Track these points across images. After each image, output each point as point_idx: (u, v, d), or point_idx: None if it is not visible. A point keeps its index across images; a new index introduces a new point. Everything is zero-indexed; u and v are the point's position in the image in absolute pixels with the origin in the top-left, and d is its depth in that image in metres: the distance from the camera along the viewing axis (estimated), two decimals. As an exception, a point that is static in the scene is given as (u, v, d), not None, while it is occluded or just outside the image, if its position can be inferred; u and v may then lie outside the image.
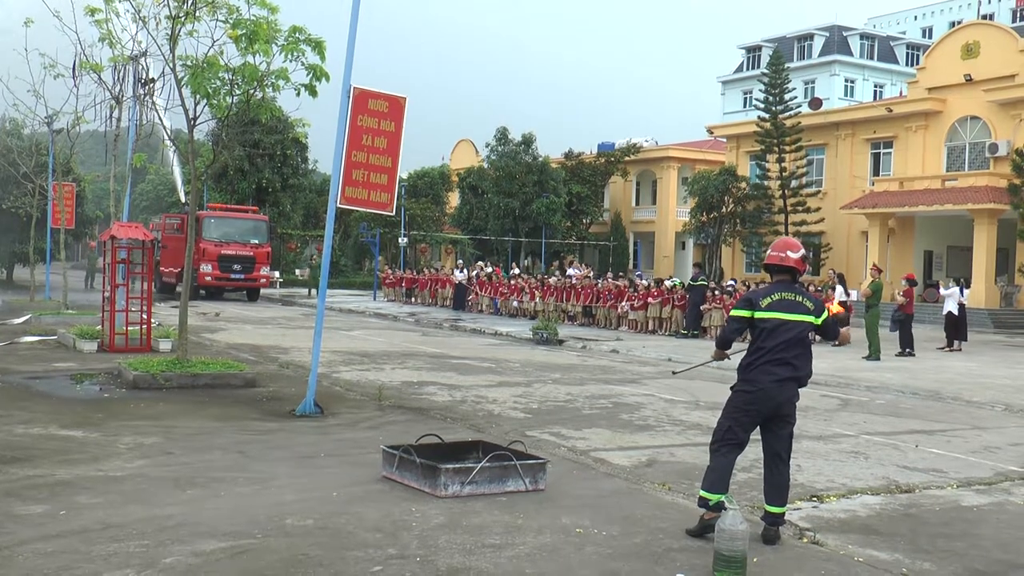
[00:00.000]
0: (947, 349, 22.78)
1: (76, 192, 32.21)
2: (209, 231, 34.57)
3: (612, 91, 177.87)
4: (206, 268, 34.02)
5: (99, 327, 16.43)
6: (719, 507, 5.83)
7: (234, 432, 9.26)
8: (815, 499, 7.58)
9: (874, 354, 19.76)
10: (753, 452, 9.32)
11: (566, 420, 10.97)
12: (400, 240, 44.22)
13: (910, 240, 38.80)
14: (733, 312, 6.54)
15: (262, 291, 37.17)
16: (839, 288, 23.62)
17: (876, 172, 41.05)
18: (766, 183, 42.25)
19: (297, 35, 11.39)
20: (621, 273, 37.77)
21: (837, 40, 70.08)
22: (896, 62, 71.54)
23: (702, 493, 6.20)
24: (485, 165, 53.43)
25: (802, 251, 6.51)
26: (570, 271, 36.43)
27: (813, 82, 68.63)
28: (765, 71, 43.44)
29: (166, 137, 20.37)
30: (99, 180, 43.02)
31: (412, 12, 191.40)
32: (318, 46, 11.36)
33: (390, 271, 41.27)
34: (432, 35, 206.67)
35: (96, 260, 46.51)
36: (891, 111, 40.36)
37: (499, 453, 7.21)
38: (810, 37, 71.17)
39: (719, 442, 6.25)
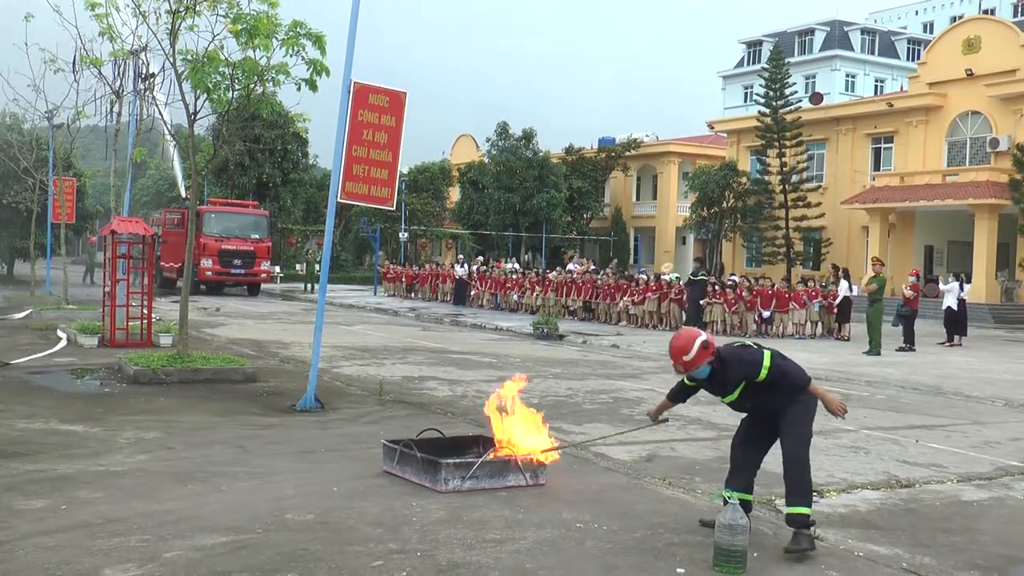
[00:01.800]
0: (947, 344, 22.78)
1: (76, 187, 32.21)
2: (209, 226, 34.57)
3: (613, 86, 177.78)
4: (206, 263, 34.02)
5: (100, 322, 16.43)
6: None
7: (235, 427, 9.27)
8: (815, 494, 7.54)
9: (874, 349, 19.75)
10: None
11: (567, 415, 10.97)
12: (400, 235, 44.22)
13: (911, 235, 38.79)
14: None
15: (262, 286, 37.18)
16: (843, 283, 23.58)
17: (877, 167, 41.03)
18: (767, 178, 42.22)
19: (297, 30, 11.36)
20: (621, 268, 37.76)
21: (838, 35, 69.99)
22: (897, 57, 71.47)
23: (807, 509, 5.88)
24: (486, 160, 53.40)
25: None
26: (570, 266, 36.42)
27: (814, 77, 68.56)
28: (766, 66, 43.38)
29: (166, 132, 20.33)
30: (99, 175, 43.00)
31: (412, 8, 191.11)
32: (318, 41, 11.33)
33: (391, 266, 41.27)
34: (433, 31, 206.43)
35: (95, 255, 46.45)
36: (892, 106, 40.33)
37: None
38: (811, 32, 71.07)
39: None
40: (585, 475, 7.69)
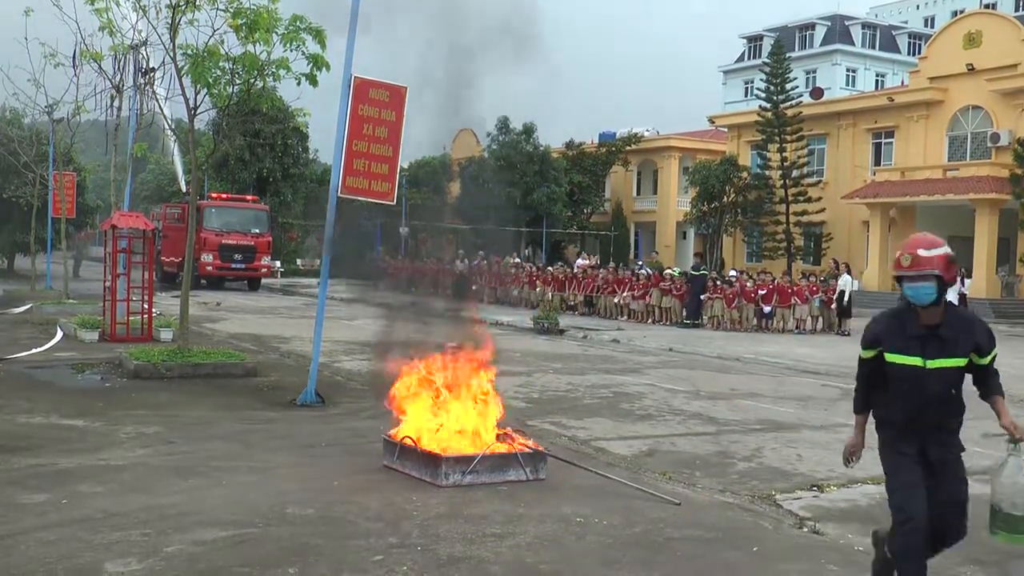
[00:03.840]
0: (948, 339, 22.70)
1: (76, 182, 32.17)
2: (210, 221, 34.55)
3: (613, 81, 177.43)
4: (207, 258, 33.99)
5: (100, 317, 16.42)
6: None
7: (235, 421, 9.27)
8: (816, 488, 7.59)
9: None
10: (756, 441, 9.38)
11: (567, 410, 10.98)
12: (401, 230, 44.23)
13: (911, 230, 38.64)
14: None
15: (263, 281, 37.17)
16: (846, 277, 23.54)
17: (877, 162, 41.00)
18: (767, 173, 42.21)
19: (298, 24, 11.35)
20: (622, 263, 37.77)
21: (839, 29, 69.94)
22: (898, 51, 71.41)
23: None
24: (486, 155, 53.38)
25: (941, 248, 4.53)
26: (578, 261, 36.44)
27: (815, 72, 68.50)
28: (767, 61, 43.37)
29: (167, 126, 20.33)
30: (100, 170, 42.95)
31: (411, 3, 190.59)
32: (319, 35, 11.31)
33: (391, 261, 41.27)
34: (431, 25, 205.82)
35: (84, 249, 46.33)
36: (892, 101, 40.30)
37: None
38: (812, 26, 71.02)
39: None
40: (585, 470, 7.69)
